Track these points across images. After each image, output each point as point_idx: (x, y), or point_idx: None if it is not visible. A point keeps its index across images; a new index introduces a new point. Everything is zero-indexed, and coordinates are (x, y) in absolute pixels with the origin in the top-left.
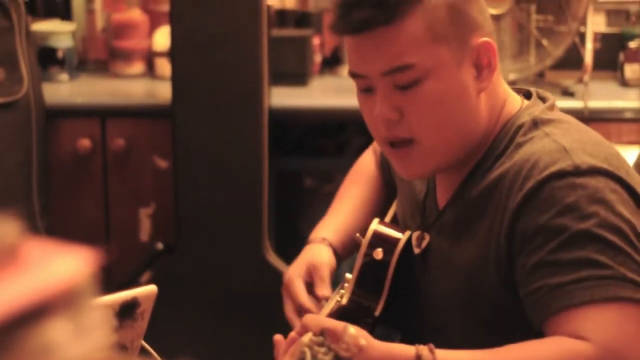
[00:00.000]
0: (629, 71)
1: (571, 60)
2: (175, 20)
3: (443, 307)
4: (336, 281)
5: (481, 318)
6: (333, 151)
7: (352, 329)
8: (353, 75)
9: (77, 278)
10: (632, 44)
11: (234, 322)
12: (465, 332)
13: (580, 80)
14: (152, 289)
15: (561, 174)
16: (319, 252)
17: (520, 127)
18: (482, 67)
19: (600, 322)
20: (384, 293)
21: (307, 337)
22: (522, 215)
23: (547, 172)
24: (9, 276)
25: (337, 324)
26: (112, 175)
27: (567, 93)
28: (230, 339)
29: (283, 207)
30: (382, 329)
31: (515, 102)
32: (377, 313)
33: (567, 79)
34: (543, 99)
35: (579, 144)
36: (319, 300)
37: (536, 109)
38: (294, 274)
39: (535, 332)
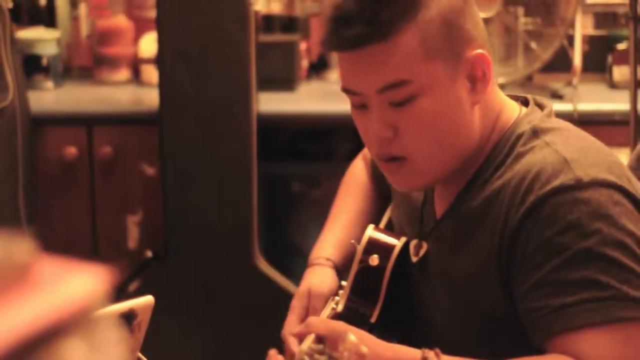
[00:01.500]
0: (618, 73)
1: (559, 63)
2: (162, 26)
3: (440, 315)
4: None
5: (478, 327)
6: (320, 156)
7: (353, 336)
8: (347, 91)
9: (90, 297)
10: (621, 46)
11: (225, 329)
12: (462, 340)
13: (569, 83)
14: (149, 299)
15: (563, 189)
16: (321, 277)
17: (519, 136)
18: (477, 80)
19: (601, 345)
20: (380, 299)
21: (306, 345)
22: (523, 230)
23: (549, 187)
24: (22, 297)
25: (341, 327)
26: (99, 182)
27: (556, 96)
28: (221, 345)
29: (270, 212)
30: (378, 336)
31: (512, 110)
32: (373, 320)
33: (556, 82)
34: (540, 106)
35: (580, 154)
36: None
37: (535, 117)
38: (287, 332)
39: (529, 345)
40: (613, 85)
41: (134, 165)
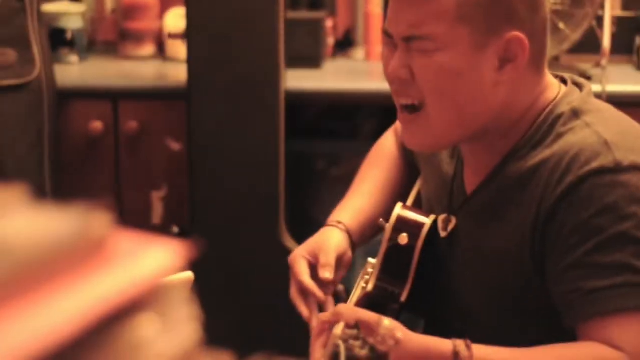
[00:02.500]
0: None
1: (586, 44)
2: (191, 2)
3: (469, 291)
4: (352, 266)
5: (508, 303)
6: (344, 134)
7: (388, 321)
8: (384, 32)
9: (165, 271)
10: None
11: (251, 307)
12: (492, 316)
13: (597, 64)
14: (187, 275)
15: (602, 171)
16: (329, 235)
17: (559, 116)
18: (507, 61)
19: (633, 331)
20: (410, 278)
21: (339, 329)
22: (559, 210)
23: (587, 168)
24: (99, 271)
25: (372, 316)
26: (123, 157)
27: (585, 77)
28: (247, 323)
29: (293, 190)
30: (405, 315)
31: (553, 89)
32: (402, 299)
33: (583, 63)
34: (579, 85)
35: (620, 137)
36: (323, 283)
37: (574, 97)
38: (298, 254)
39: (558, 324)
40: None
41: (159, 141)
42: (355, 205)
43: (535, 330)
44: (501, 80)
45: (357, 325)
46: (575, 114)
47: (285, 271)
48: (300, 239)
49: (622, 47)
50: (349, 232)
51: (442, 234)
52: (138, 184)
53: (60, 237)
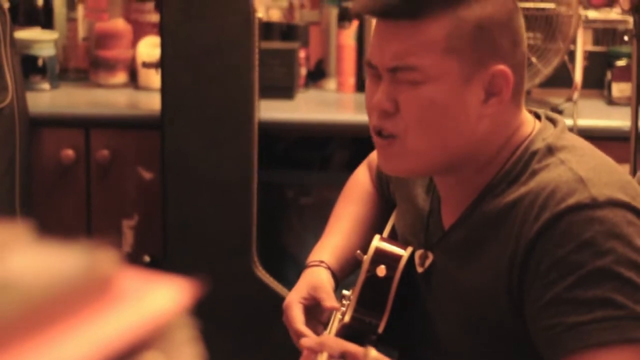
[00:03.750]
0: (617, 90)
1: (557, 78)
2: (165, 31)
3: (446, 325)
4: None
5: (484, 342)
6: (315, 164)
7: (374, 353)
8: (367, 62)
9: (172, 311)
10: (620, 63)
11: (223, 336)
12: (468, 351)
13: (569, 99)
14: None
15: (578, 207)
16: (318, 274)
17: (534, 153)
18: (492, 95)
19: None
20: (387, 310)
21: (324, 358)
22: (537, 247)
23: (564, 205)
24: (106, 310)
25: (358, 348)
26: (95, 186)
27: (556, 111)
28: (218, 352)
29: (263, 220)
30: (380, 347)
31: (528, 124)
32: (380, 330)
33: (554, 97)
34: (552, 121)
35: (595, 173)
36: (320, 324)
37: (549, 133)
38: (293, 300)
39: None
40: (611, 102)
41: (130, 170)
42: (334, 244)
43: None
44: (485, 114)
45: (343, 356)
46: (550, 150)
47: (257, 301)
48: (268, 267)
49: (593, 82)
50: (331, 271)
51: (419, 269)
52: (109, 213)
53: (67, 276)
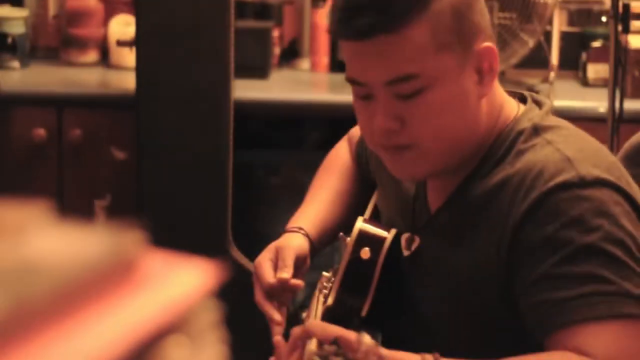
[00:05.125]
0: (592, 71)
1: (531, 59)
2: (140, 10)
3: (433, 308)
4: (313, 267)
5: (475, 319)
6: (286, 144)
7: (368, 338)
8: (352, 81)
9: (197, 294)
10: (595, 44)
11: None
12: (456, 332)
13: (545, 80)
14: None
15: (566, 186)
16: (290, 239)
17: (520, 133)
18: (484, 72)
19: (604, 339)
20: (370, 293)
21: (314, 345)
22: (525, 226)
23: (552, 183)
24: (132, 293)
25: (350, 332)
26: (67, 166)
27: (532, 92)
28: None
29: (235, 200)
30: (364, 330)
31: (512, 107)
32: (363, 313)
33: (529, 78)
34: (538, 103)
35: (582, 153)
36: (283, 304)
37: (535, 114)
38: (262, 258)
39: (526, 342)
40: (586, 83)
41: (103, 149)
42: (313, 212)
43: (499, 346)
44: (483, 93)
45: (335, 341)
46: (536, 131)
47: (232, 281)
48: (241, 247)
49: (567, 63)
50: (309, 237)
51: (406, 252)
52: (81, 193)
53: (92, 259)
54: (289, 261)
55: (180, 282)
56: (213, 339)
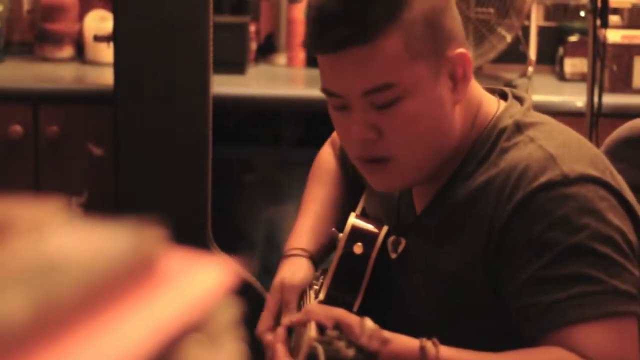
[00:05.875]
0: (569, 66)
1: (508, 54)
2: (118, 4)
3: (422, 308)
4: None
5: (462, 319)
6: (264, 141)
7: (370, 321)
8: (327, 93)
9: (218, 292)
10: (572, 39)
11: None
12: (445, 331)
13: (523, 75)
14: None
15: (551, 185)
16: (296, 269)
17: (502, 131)
18: (458, 79)
19: (596, 339)
20: (363, 288)
21: (313, 332)
22: (511, 226)
23: (536, 183)
24: (154, 292)
25: (352, 316)
26: (44, 162)
27: (511, 87)
28: None
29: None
30: None
31: (491, 104)
32: (355, 309)
33: (506, 73)
34: (518, 99)
35: (565, 149)
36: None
37: (516, 110)
38: (270, 302)
39: (515, 339)
40: (563, 77)
41: (80, 146)
42: (309, 228)
43: (488, 345)
44: (457, 99)
45: (337, 326)
46: (518, 128)
47: None
48: (219, 245)
49: (544, 57)
50: (311, 258)
51: (392, 255)
52: (58, 190)
53: (115, 256)
54: (293, 304)
55: (201, 280)
56: (232, 338)
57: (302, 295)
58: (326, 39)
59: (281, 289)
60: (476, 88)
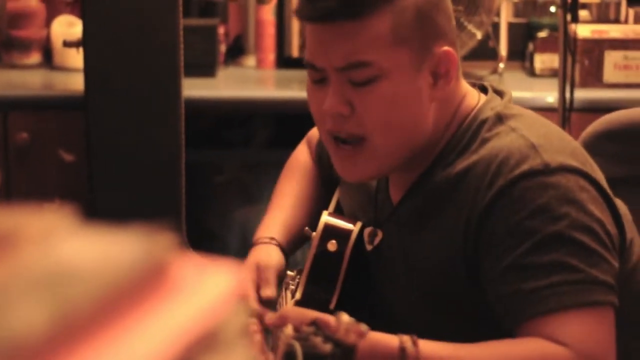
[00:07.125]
0: (539, 61)
1: (477, 51)
2: (87, 9)
3: (400, 299)
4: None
5: (442, 309)
6: (233, 143)
7: (346, 315)
8: (309, 65)
9: (229, 298)
10: (542, 34)
11: None
12: (424, 323)
13: (494, 71)
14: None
15: (532, 173)
16: (267, 253)
17: (483, 122)
18: (439, 76)
19: (574, 328)
20: (338, 285)
21: (290, 329)
22: (491, 214)
23: (517, 171)
24: (168, 300)
25: (325, 315)
26: (14, 169)
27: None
28: None
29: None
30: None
31: (472, 96)
32: (332, 306)
33: (476, 70)
34: (499, 93)
35: (546, 140)
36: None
37: (497, 103)
38: (245, 279)
39: (495, 329)
40: (533, 73)
41: (51, 152)
42: (281, 220)
43: (468, 335)
44: (435, 96)
45: (313, 323)
46: (500, 119)
47: None
48: (192, 248)
49: (514, 54)
50: (281, 247)
51: (368, 247)
52: (30, 197)
53: (127, 264)
54: (272, 281)
55: (213, 286)
56: (244, 344)
57: (279, 293)
58: (317, 8)
59: (257, 269)
60: (461, 83)
